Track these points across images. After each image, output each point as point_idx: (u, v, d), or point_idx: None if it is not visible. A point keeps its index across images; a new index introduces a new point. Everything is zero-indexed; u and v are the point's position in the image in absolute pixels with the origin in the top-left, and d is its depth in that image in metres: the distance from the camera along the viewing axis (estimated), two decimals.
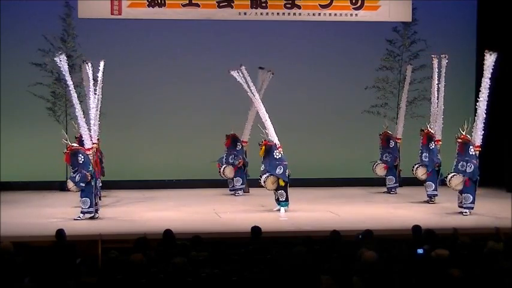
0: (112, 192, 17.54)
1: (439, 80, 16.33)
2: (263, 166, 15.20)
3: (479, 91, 14.85)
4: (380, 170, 17.74)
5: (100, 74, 15.05)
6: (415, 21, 18.87)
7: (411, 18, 18.74)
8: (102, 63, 15.05)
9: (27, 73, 17.86)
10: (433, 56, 16.67)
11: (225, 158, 17.72)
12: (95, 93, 14.60)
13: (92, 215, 13.98)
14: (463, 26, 19.59)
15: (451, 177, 14.53)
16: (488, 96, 14.78)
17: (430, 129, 16.34)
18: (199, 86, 18.99)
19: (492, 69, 14.75)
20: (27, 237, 11.45)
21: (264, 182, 15.01)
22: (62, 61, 13.92)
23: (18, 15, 18.31)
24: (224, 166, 17.65)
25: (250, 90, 15.68)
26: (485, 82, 14.73)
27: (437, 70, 16.35)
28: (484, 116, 14.71)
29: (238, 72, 15.70)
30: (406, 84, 18.09)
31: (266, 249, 9.49)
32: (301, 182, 17.44)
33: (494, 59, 14.77)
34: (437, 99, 16.37)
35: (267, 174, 15.03)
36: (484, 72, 14.75)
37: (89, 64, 14.72)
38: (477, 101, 14.81)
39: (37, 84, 17.84)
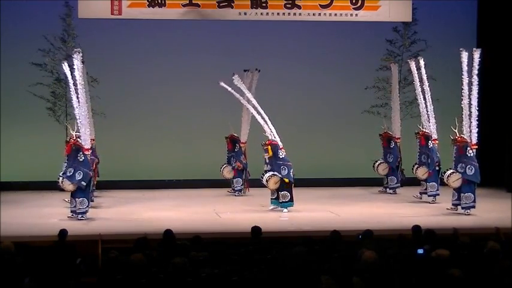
0: (112, 192, 17.55)
1: (421, 81, 16.50)
2: (268, 166, 15.22)
3: (462, 89, 14.84)
4: (383, 170, 17.73)
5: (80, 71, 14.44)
6: (415, 21, 18.86)
7: (411, 18, 18.72)
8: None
9: (27, 73, 17.86)
10: (408, 60, 16.90)
11: (227, 159, 17.80)
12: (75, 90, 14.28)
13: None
14: (463, 26, 19.58)
15: (450, 173, 14.54)
16: (479, 93, 14.84)
17: (424, 130, 16.41)
18: (199, 85, 18.98)
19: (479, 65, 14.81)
20: (28, 237, 11.45)
21: (267, 181, 15.03)
22: (76, 59, 13.97)
23: (18, 15, 18.31)
24: (224, 166, 17.70)
25: (244, 97, 15.75)
26: (475, 79, 14.76)
27: (416, 73, 16.58)
28: (477, 113, 14.73)
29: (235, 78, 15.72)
30: (395, 84, 18.20)
31: (266, 249, 9.49)
32: (301, 182, 17.40)
33: (478, 56, 14.82)
34: (424, 99, 16.51)
35: (271, 173, 15.05)
36: (473, 69, 14.77)
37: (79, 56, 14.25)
38: (470, 99, 14.79)
39: (37, 84, 17.84)
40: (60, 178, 14.00)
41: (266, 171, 15.21)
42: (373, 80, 18.96)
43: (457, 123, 14.84)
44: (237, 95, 15.86)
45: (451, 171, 14.59)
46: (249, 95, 15.89)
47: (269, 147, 15.23)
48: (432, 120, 16.44)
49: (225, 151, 17.96)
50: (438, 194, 16.15)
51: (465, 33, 19.35)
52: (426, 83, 16.50)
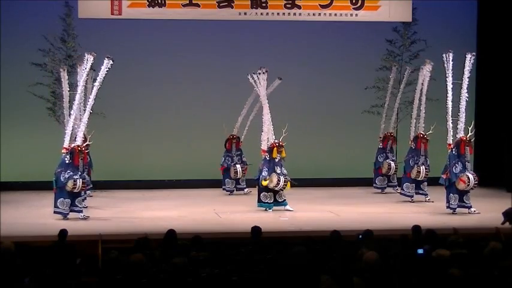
0: (112, 192, 17.56)
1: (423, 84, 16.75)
2: (282, 168, 15.21)
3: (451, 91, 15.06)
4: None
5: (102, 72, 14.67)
6: (415, 21, 18.85)
7: (411, 18, 18.73)
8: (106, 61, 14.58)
9: (27, 73, 17.84)
10: (427, 60, 16.99)
11: (235, 158, 17.77)
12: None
13: None
14: (463, 26, 19.59)
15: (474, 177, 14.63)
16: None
17: (420, 132, 16.55)
18: (199, 86, 19.01)
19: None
20: (27, 237, 11.45)
21: (285, 182, 15.08)
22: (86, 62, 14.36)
23: (18, 15, 18.31)
24: (239, 165, 17.64)
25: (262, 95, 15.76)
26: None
27: (428, 75, 16.69)
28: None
29: (257, 75, 15.69)
30: (390, 87, 18.32)
31: (266, 249, 9.49)
32: (301, 182, 17.42)
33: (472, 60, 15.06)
34: (420, 101, 16.77)
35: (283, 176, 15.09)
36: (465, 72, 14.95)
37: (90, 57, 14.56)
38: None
39: (37, 84, 17.82)
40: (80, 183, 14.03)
41: (283, 174, 15.18)
42: (373, 80, 18.95)
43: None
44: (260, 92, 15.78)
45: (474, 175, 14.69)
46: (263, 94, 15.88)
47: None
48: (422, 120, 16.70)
49: (230, 152, 17.96)
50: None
51: (465, 33, 19.36)
52: (426, 86, 16.66)
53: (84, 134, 14.53)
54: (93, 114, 17.18)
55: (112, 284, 7.80)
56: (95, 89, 14.49)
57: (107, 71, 14.54)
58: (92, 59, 14.54)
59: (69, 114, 14.75)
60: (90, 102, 14.48)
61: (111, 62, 14.44)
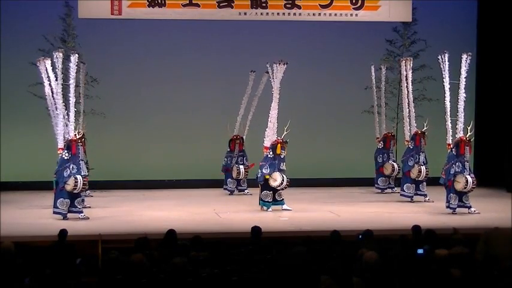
0: (112, 192, 17.56)
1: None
2: (283, 165, 15.21)
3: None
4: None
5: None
6: (415, 21, 18.87)
7: (411, 18, 18.75)
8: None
9: (27, 73, 17.82)
10: (403, 59, 16.92)
11: (235, 160, 17.76)
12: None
13: None
14: (463, 26, 19.60)
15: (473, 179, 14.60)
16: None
17: (419, 130, 16.56)
18: (199, 85, 19.02)
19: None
20: (27, 237, 11.45)
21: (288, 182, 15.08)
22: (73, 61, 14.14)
23: (18, 15, 18.31)
24: (242, 166, 17.64)
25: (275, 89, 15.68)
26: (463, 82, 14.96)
27: (404, 73, 16.88)
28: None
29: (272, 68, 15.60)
30: (383, 82, 18.44)
31: (266, 249, 9.49)
32: (301, 182, 17.45)
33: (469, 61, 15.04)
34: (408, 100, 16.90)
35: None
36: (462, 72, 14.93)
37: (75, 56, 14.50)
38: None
39: (37, 84, 17.80)
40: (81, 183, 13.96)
41: (283, 170, 15.18)
42: (373, 80, 18.94)
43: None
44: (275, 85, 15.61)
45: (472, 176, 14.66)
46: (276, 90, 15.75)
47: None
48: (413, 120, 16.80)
49: (225, 151, 17.94)
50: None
51: (465, 33, 19.38)
52: (410, 85, 16.84)
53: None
54: (93, 114, 17.33)
55: (112, 284, 7.81)
56: (71, 87, 14.42)
57: (76, 67, 14.56)
58: (61, 56, 14.39)
59: (56, 115, 14.57)
60: (72, 100, 14.40)
61: (76, 55, 14.45)
